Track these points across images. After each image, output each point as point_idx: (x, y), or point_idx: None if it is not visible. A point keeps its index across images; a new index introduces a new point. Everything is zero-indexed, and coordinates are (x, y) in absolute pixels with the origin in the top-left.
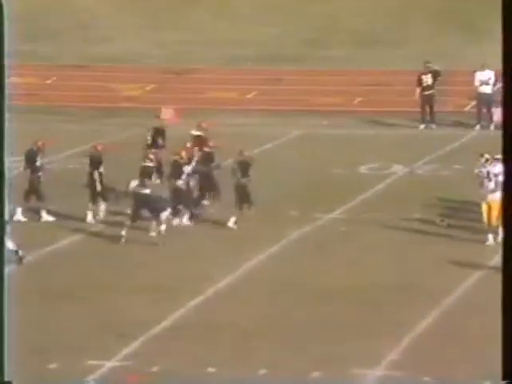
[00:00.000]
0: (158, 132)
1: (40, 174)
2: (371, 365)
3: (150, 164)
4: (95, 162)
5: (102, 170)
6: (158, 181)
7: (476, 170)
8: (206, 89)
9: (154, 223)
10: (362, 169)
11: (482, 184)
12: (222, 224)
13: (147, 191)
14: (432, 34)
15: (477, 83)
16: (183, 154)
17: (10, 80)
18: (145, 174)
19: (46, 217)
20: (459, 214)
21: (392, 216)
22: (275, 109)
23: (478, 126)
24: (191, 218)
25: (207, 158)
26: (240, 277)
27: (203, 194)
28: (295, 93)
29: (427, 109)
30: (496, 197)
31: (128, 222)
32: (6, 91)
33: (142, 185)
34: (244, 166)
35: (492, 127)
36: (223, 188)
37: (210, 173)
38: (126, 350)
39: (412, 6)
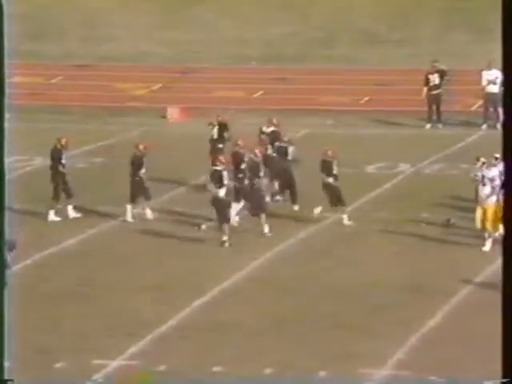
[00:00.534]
0: (223, 126)
1: (65, 171)
2: (378, 364)
3: (220, 168)
4: (137, 163)
5: (143, 170)
6: (226, 181)
7: (471, 174)
8: (212, 88)
9: (226, 226)
10: (369, 168)
11: (477, 188)
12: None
13: (219, 194)
14: (439, 32)
15: (484, 83)
16: (257, 151)
17: (15, 79)
18: (215, 177)
19: (72, 214)
20: (466, 213)
21: (399, 215)
22: (281, 108)
23: (484, 126)
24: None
25: (283, 153)
26: (246, 275)
27: (282, 189)
28: (302, 92)
29: (434, 108)
30: (491, 201)
31: (212, 224)
32: (7, 91)
33: (215, 188)
34: (327, 166)
35: (499, 126)
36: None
37: (288, 168)
38: (132, 349)
39: (418, 4)
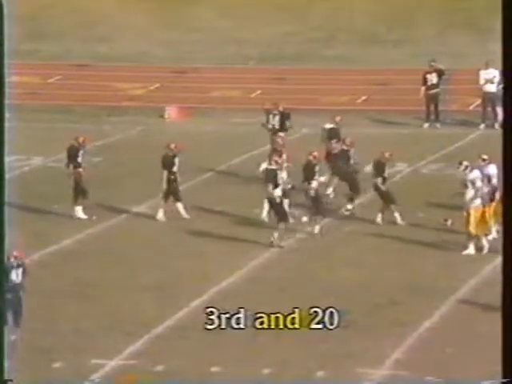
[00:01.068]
0: (285, 115)
1: (81, 169)
2: (376, 364)
3: (274, 167)
4: (169, 163)
5: (175, 169)
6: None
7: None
8: (209, 88)
9: (282, 225)
10: (366, 168)
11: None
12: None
13: (274, 195)
14: (436, 32)
15: (481, 82)
16: (315, 153)
17: (13, 79)
18: (269, 177)
19: (79, 214)
20: (463, 213)
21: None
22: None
23: (482, 125)
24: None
25: (344, 157)
26: (244, 275)
27: (353, 194)
28: (299, 92)
29: (432, 107)
30: (475, 205)
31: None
32: (7, 91)
33: (271, 188)
34: (380, 167)
35: (497, 126)
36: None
37: (351, 172)
38: (131, 348)
39: (417, 4)
